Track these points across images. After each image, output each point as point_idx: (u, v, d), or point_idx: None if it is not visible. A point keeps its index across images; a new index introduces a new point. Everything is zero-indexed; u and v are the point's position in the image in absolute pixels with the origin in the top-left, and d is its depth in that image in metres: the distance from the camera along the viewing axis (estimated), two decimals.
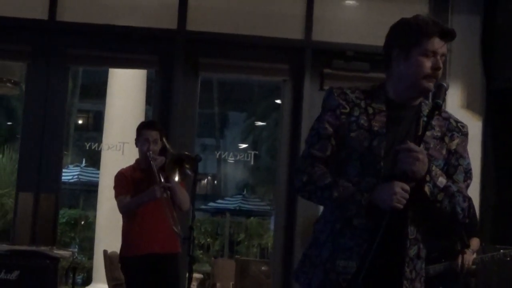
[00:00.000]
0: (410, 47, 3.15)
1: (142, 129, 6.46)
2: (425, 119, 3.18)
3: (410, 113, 3.22)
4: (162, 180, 6.22)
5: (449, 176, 3.22)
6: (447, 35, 3.18)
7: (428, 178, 3.07)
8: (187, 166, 6.13)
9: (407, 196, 3.02)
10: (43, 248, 6.82)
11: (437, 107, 3.12)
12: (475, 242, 6.50)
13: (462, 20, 8.21)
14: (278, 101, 14.05)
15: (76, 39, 8.11)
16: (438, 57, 3.16)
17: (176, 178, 6.17)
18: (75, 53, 8.17)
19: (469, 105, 8.21)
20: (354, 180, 3.13)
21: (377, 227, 3.02)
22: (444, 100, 3.14)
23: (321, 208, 3.39)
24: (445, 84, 3.14)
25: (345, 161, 3.19)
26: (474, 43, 8.13)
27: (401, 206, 3.02)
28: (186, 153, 6.38)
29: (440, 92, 3.12)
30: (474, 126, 7.69)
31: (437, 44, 3.14)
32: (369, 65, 8.16)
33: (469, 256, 6.33)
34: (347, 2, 8.73)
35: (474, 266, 6.32)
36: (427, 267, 6.21)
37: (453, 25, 7.99)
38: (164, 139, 6.55)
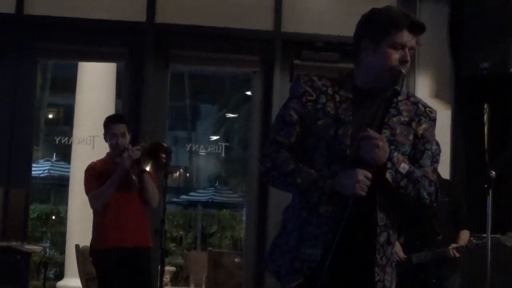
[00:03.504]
0: (379, 38, 3.16)
1: (109, 123, 6.42)
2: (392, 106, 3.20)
3: (377, 101, 3.22)
4: (133, 177, 6.21)
5: (416, 160, 3.24)
6: (417, 29, 3.18)
7: (389, 165, 3.09)
8: (162, 155, 6.14)
9: (369, 183, 3.04)
10: (13, 244, 6.79)
11: (396, 94, 3.13)
12: (464, 235, 6.47)
13: (430, 8, 8.26)
14: (249, 93, 14.05)
15: (45, 33, 8.07)
16: (407, 50, 3.16)
17: (148, 168, 6.17)
18: (44, 47, 8.13)
19: (438, 94, 8.25)
20: (318, 166, 3.15)
21: (343, 215, 3.03)
22: (402, 86, 3.15)
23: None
24: (403, 70, 3.15)
25: (312, 149, 3.20)
26: (442, 31, 8.17)
27: (364, 194, 3.03)
28: (159, 142, 6.40)
29: (398, 78, 3.13)
30: (444, 115, 7.73)
31: (406, 37, 3.15)
32: (339, 55, 8.19)
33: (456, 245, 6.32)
34: None
35: (458, 255, 6.31)
36: (410, 255, 6.25)
37: (421, 13, 8.04)
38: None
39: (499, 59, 7.72)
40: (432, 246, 6.25)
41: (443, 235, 6.32)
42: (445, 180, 6.78)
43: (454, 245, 6.25)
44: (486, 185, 5.61)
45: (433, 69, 8.33)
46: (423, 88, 8.14)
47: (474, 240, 6.34)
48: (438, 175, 6.46)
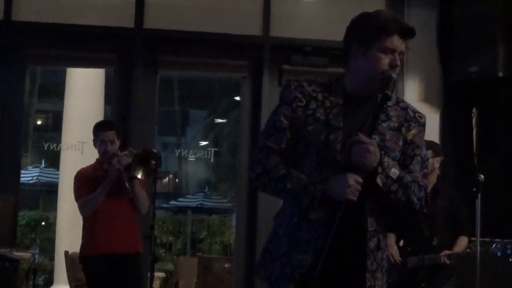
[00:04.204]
0: (369, 42, 3.15)
1: (97, 130, 6.39)
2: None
3: (367, 106, 3.22)
4: (126, 185, 6.20)
5: (405, 166, 3.23)
6: (407, 33, 3.18)
7: (380, 170, 3.08)
8: (153, 162, 6.14)
9: (360, 188, 3.04)
10: (2, 250, 6.75)
11: (386, 98, 3.13)
12: (462, 241, 6.43)
13: (419, 13, 8.28)
14: (238, 98, 14.04)
15: (33, 39, 8.05)
16: (396, 55, 3.16)
17: (139, 175, 6.17)
18: (32, 52, 8.11)
19: (426, 99, 8.27)
20: (308, 172, 3.14)
21: (334, 220, 3.02)
22: (393, 91, 3.14)
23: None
24: (394, 76, 3.14)
25: (303, 154, 3.20)
26: (431, 36, 8.19)
27: (355, 198, 3.03)
28: (150, 149, 6.40)
29: (389, 83, 3.12)
30: (432, 119, 7.74)
31: (397, 41, 3.14)
32: (328, 60, 8.19)
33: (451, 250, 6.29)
34: None
35: (448, 262, 6.28)
36: (405, 259, 6.24)
37: (410, 18, 8.07)
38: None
39: (487, 64, 7.75)
40: (424, 251, 6.23)
41: (441, 240, 6.30)
42: (446, 184, 6.76)
43: (446, 252, 6.23)
44: (474, 189, 5.62)
45: (422, 74, 8.35)
46: (412, 92, 8.16)
47: (470, 246, 6.31)
48: (438, 179, 6.49)
